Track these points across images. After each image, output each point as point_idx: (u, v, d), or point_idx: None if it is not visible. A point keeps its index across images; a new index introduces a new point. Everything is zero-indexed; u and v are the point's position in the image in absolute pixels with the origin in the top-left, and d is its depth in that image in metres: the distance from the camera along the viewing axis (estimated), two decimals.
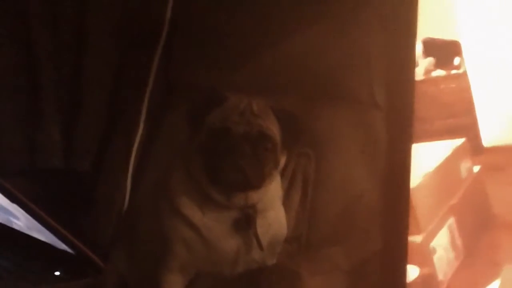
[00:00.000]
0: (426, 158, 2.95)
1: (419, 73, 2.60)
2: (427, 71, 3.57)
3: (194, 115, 1.76)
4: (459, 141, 3.36)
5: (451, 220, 2.87)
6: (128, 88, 2.25)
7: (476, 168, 3.52)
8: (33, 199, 1.57)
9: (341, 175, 1.99)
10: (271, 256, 1.83)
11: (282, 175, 1.90)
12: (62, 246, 1.51)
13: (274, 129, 1.72)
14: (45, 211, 1.49)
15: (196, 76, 2.16)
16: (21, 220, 1.54)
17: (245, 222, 1.75)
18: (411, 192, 1.80)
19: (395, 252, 1.86)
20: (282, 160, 1.77)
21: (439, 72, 3.77)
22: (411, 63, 1.92)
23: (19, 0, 2.34)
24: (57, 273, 1.52)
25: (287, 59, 2.06)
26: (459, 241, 2.89)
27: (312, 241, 1.94)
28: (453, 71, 3.81)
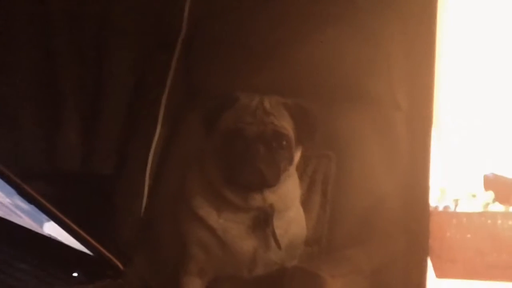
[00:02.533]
0: None
1: (477, 206, 2.60)
2: (486, 205, 3.55)
3: (207, 119, 1.77)
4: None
5: None
6: (146, 91, 2.25)
7: None
8: (52, 203, 1.56)
9: (362, 177, 1.97)
10: (291, 257, 1.81)
11: (302, 176, 1.89)
12: (80, 247, 1.50)
13: (287, 125, 1.72)
14: (64, 213, 1.49)
15: (215, 79, 2.15)
16: (39, 222, 1.54)
17: (263, 221, 1.74)
18: None
19: (416, 255, 1.84)
20: (297, 156, 1.77)
21: (498, 207, 3.71)
22: (432, 64, 1.90)
23: (39, 4, 2.36)
24: (75, 274, 1.52)
25: (307, 61, 2.05)
26: None
27: (333, 243, 1.92)
28: None
